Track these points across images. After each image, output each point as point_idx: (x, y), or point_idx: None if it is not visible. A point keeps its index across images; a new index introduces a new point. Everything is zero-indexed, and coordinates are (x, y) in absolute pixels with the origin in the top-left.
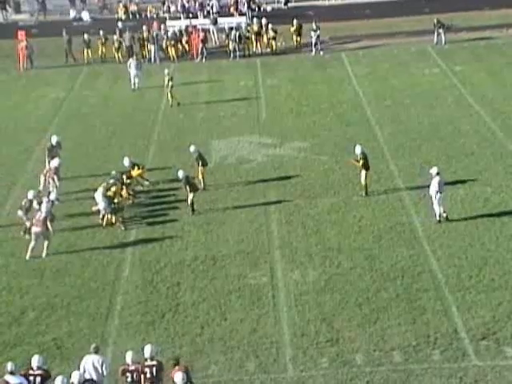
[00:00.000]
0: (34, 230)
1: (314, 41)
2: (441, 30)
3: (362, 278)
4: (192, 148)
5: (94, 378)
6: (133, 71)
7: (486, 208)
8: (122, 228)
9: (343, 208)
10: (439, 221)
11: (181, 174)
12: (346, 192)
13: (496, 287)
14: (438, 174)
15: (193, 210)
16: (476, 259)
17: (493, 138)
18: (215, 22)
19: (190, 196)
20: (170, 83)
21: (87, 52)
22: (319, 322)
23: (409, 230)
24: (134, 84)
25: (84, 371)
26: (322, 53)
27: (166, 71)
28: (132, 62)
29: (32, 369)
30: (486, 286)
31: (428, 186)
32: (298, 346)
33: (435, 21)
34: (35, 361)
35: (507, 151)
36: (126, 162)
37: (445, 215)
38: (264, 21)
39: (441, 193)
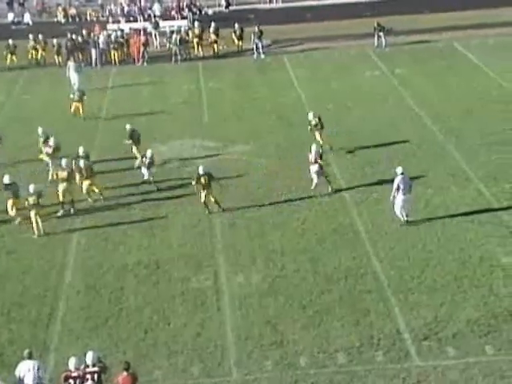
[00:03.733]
0: (313, 168)
1: (255, 44)
2: (381, 33)
3: (305, 280)
4: (128, 126)
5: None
6: (72, 74)
7: (427, 209)
8: (35, 233)
9: (286, 210)
10: (406, 221)
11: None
12: (289, 194)
13: (438, 288)
14: (401, 174)
15: None
16: (418, 260)
17: (433, 140)
18: (157, 26)
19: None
20: (84, 97)
21: (11, 58)
22: (263, 325)
23: (351, 231)
24: (74, 86)
25: (20, 379)
26: (263, 56)
27: (76, 86)
28: (71, 64)
29: None
30: (427, 287)
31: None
32: (242, 350)
33: (375, 24)
34: None
35: (447, 153)
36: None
37: (406, 218)
38: (213, 25)
39: (404, 194)
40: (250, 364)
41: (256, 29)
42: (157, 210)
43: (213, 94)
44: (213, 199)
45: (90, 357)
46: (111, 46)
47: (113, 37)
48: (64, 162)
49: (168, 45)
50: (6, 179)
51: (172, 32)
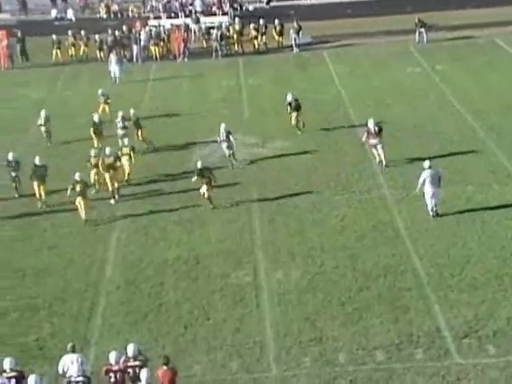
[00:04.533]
0: (372, 142)
1: (294, 40)
2: (422, 29)
3: (344, 277)
4: (132, 111)
5: (77, 376)
6: (113, 66)
7: (468, 206)
8: (83, 217)
9: (326, 207)
10: (433, 216)
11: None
12: (329, 191)
13: (478, 286)
14: (429, 167)
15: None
16: (458, 258)
17: (474, 137)
18: (197, 21)
19: (204, 188)
20: (108, 100)
21: (56, 52)
22: (302, 322)
23: (391, 228)
24: (115, 78)
25: (64, 372)
26: (297, 50)
27: (100, 91)
28: (112, 57)
29: (5, 371)
30: (468, 285)
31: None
32: (281, 346)
33: (416, 20)
34: (7, 363)
35: (488, 150)
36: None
37: (431, 213)
38: (261, 21)
39: (431, 187)
40: (289, 360)
41: (294, 24)
42: (196, 205)
43: (253, 90)
44: (207, 194)
45: (131, 350)
46: (152, 41)
47: (154, 33)
48: (108, 150)
49: (203, 40)
50: (37, 160)
51: (212, 28)
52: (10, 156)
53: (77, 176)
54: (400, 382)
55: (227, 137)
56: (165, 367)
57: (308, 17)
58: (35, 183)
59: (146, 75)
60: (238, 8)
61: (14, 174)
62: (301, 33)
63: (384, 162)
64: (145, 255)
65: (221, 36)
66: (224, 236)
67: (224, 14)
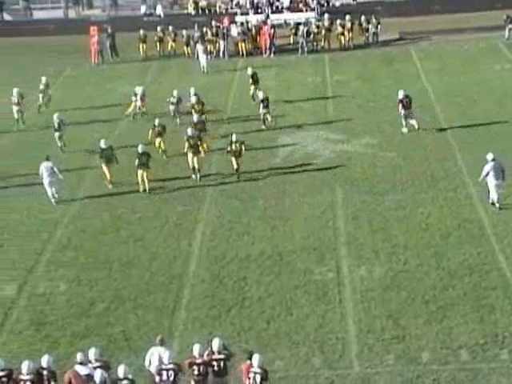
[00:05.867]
0: (403, 112)
1: (373, 34)
2: (511, 26)
3: (428, 275)
4: (192, 89)
5: (168, 364)
6: (201, 56)
7: None
8: (140, 190)
9: (410, 205)
10: (499, 208)
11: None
12: (414, 189)
13: None
14: (492, 160)
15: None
16: None
17: None
18: (267, 17)
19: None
20: (133, 98)
21: (142, 47)
22: (385, 319)
23: (477, 227)
24: (203, 69)
25: (150, 363)
26: (376, 46)
27: (138, 88)
28: (200, 47)
29: (90, 362)
30: None
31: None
32: (363, 343)
33: (505, 16)
34: (92, 353)
35: None
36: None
37: (497, 205)
38: (348, 17)
39: (495, 180)
40: (372, 357)
41: (373, 19)
42: (280, 201)
43: (338, 86)
44: (236, 165)
45: (216, 344)
46: (239, 37)
47: (241, 28)
48: (190, 130)
49: (290, 36)
50: (102, 143)
51: (299, 24)
52: (55, 117)
53: (139, 148)
54: (485, 382)
55: (266, 102)
56: (249, 362)
57: (395, 13)
58: (103, 165)
59: (232, 71)
60: (325, 4)
61: (57, 134)
62: (379, 27)
63: (416, 127)
64: (229, 250)
65: (307, 32)
66: (307, 232)
67: (311, 10)
